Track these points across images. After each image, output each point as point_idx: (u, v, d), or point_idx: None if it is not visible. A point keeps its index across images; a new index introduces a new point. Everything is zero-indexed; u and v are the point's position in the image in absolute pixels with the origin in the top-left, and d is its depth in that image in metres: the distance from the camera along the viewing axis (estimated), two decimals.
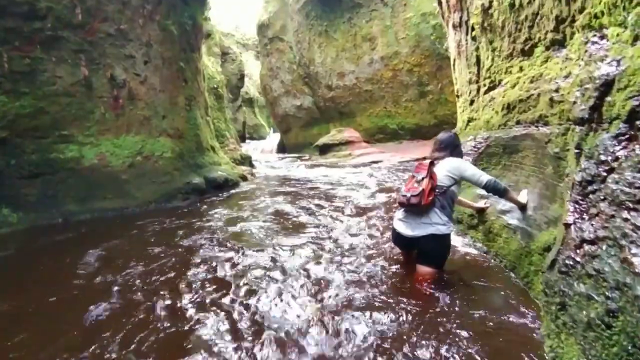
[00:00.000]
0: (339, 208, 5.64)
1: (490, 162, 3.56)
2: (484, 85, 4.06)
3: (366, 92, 18.22)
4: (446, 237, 2.67)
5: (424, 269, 2.69)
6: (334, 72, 19.21)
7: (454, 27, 4.90)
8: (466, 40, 4.50)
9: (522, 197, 2.82)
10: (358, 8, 17.20)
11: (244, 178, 10.03)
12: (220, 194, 7.77)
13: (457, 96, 5.28)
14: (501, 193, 2.71)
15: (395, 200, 2.93)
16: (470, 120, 4.50)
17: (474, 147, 3.93)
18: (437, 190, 2.66)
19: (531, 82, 2.89)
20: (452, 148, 2.91)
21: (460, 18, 4.58)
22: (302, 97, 22.32)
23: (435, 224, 2.62)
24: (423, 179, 2.62)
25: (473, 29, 4.17)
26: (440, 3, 5.74)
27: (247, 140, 33.84)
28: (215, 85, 15.90)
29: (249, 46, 41.22)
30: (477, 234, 3.38)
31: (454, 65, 5.34)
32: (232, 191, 8.21)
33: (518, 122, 3.09)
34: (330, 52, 19.10)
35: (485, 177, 2.68)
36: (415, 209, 2.65)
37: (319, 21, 19.01)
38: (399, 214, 2.88)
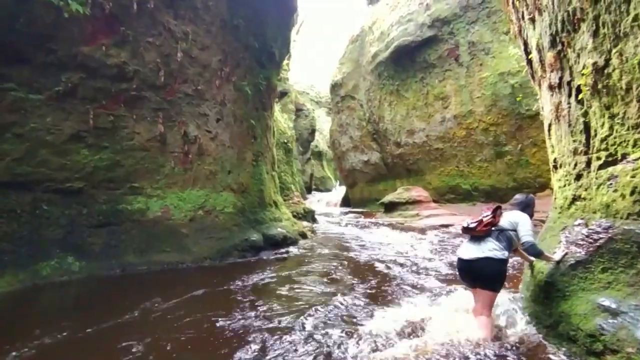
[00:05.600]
0: (397, 295, 4.78)
1: (616, 262, 2.64)
2: (598, 158, 3.24)
3: (437, 150, 17.46)
4: (501, 262, 3.12)
5: (482, 292, 3.18)
6: (404, 129, 18.91)
7: (551, 88, 4.19)
8: (569, 103, 3.76)
9: (557, 255, 3.19)
10: (431, 68, 17.08)
11: (304, 235, 9.64)
12: (276, 254, 7.40)
13: (555, 167, 4.41)
14: (536, 256, 3.26)
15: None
16: (576, 198, 3.61)
17: (587, 236, 3.04)
18: (495, 228, 3.23)
19: None
20: (523, 206, 3.55)
21: (561, 78, 3.88)
22: (369, 152, 22.20)
23: (492, 249, 3.13)
24: (486, 215, 3.25)
25: (580, 90, 3.45)
26: (530, 62, 5.11)
27: (314, 192, 34.30)
28: (285, 140, 16.46)
29: (321, 103, 43.34)
30: None
31: (549, 130, 4.55)
32: (289, 251, 7.79)
33: None
34: (401, 110, 18.97)
35: (526, 238, 3.15)
36: (474, 237, 3.27)
37: (390, 81, 19.22)
38: (463, 244, 3.45)
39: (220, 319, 3.65)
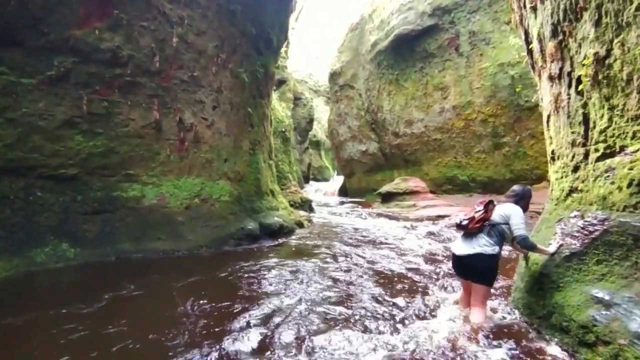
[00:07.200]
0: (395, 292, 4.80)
1: (611, 255, 2.65)
2: (596, 150, 3.21)
3: (435, 141, 17.41)
4: (491, 257, 3.24)
5: (476, 286, 3.31)
6: (402, 119, 18.80)
7: (551, 78, 4.14)
8: (568, 94, 3.72)
9: (552, 247, 3.20)
10: (431, 58, 16.90)
11: (300, 225, 9.64)
12: (272, 243, 7.40)
13: (552, 158, 4.39)
14: (530, 249, 3.26)
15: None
16: (572, 190, 3.60)
17: (583, 228, 3.03)
18: (487, 223, 3.33)
19: None
20: (519, 199, 3.54)
21: (561, 69, 3.83)
22: (367, 142, 22.13)
23: (483, 245, 3.25)
24: (478, 211, 3.34)
25: (580, 81, 3.41)
26: (530, 52, 5.04)
27: (311, 182, 34.26)
28: (283, 129, 16.36)
29: (320, 92, 42.98)
30: (593, 356, 2.43)
31: (547, 121, 4.51)
32: (285, 240, 7.79)
33: None
34: (400, 100, 18.83)
35: (519, 232, 3.16)
36: (467, 233, 3.39)
37: (390, 70, 19.03)
38: (456, 240, 3.62)
39: (173, 313, 3.53)
